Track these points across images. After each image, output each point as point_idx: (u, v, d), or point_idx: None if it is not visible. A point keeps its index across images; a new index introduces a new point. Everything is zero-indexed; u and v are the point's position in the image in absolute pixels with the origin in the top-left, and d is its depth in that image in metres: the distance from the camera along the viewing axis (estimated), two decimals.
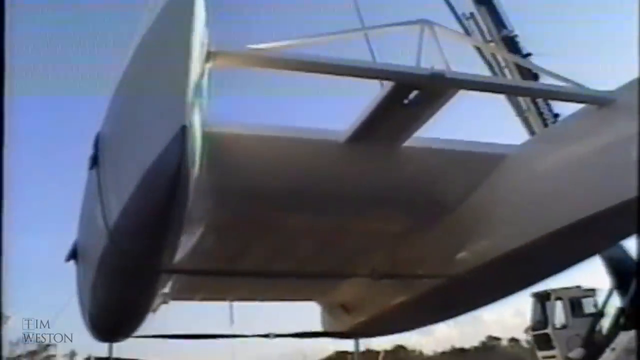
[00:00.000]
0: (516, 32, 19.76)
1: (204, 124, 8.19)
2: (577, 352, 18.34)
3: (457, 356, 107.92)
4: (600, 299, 19.63)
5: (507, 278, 12.46)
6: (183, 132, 5.98)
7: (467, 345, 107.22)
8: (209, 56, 7.32)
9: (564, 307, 20.43)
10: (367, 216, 13.16)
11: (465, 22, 19.54)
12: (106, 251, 9.29)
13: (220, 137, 9.84)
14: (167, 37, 6.68)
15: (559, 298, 20.53)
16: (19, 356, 24.48)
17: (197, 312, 25.33)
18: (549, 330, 20.14)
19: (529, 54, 19.69)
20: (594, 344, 17.99)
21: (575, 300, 20.53)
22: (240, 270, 15.31)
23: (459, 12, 19.69)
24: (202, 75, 6.95)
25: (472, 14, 19.57)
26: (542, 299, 20.68)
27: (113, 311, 13.50)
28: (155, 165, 6.46)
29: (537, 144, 11.07)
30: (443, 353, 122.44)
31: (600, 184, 9.42)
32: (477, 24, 19.45)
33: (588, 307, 20.33)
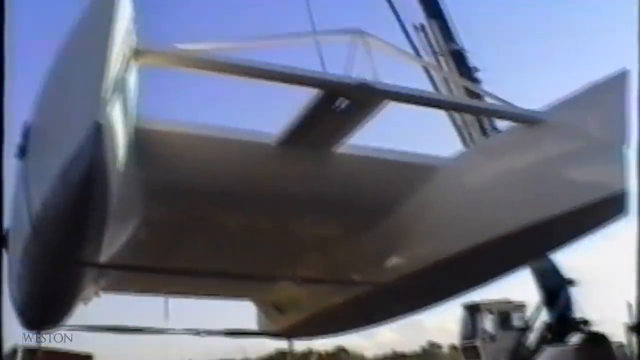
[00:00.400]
0: (465, 47, 20.15)
1: (131, 120, 8.16)
2: None
3: None
4: (529, 313, 20.03)
5: (435, 286, 12.67)
6: (97, 129, 5.97)
7: (408, 350, 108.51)
8: (135, 53, 7.29)
9: (493, 320, 20.83)
10: (297, 219, 13.22)
11: (416, 34, 19.83)
12: (29, 242, 9.16)
13: (153, 134, 9.78)
14: (89, 32, 6.63)
15: (488, 310, 20.95)
16: None
17: (134, 305, 25.06)
18: (477, 342, 20.53)
19: (475, 69, 20.08)
20: (520, 358, 18.42)
21: (504, 314, 20.90)
22: (170, 267, 15.18)
23: (411, 23, 19.99)
24: (124, 71, 6.91)
25: (422, 26, 19.84)
26: (472, 310, 21.02)
27: (38, 301, 13.29)
28: (71, 160, 6.42)
29: (469, 157, 11.28)
30: (385, 357, 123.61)
31: (527, 199, 9.74)
32: (426, 36, 19.72)
33: (517, 320, 20.73)
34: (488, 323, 20.88)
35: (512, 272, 11.84)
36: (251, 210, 12.65)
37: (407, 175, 11.55)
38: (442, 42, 19.47)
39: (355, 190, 11.63)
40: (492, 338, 20.44)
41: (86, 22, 6.77)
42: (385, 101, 9.07)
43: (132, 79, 7.58)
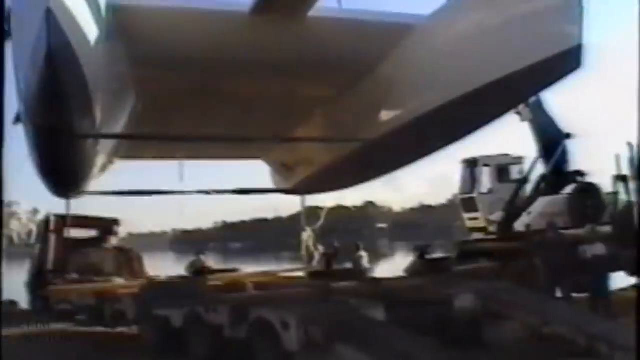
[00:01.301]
0: None
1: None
2: (497, 215, 19.64)
3: (424, 212, 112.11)
4: (527, 166, 20.62)
5: (426, 137, 13.32)
6: (48, 14, 6.54)
7: (434, 202, 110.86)
8: None
9: (491, 173, 21.53)
10: (281, 82, 13.83)
11: None
12: (27, 120, 9.95)
13: (134, 11, 10.29)
14: None
15: (486, 165, 21.58)
16: None
17: (151, 171, 26.14)
18: (474, 194, 21.36)
19: None
20: (515, 209, 19.21)
21: (502, 167, 21.53)
22: (172, 133, 16.07)
23: None
24: None
25: None
26: (471, 164, 21.72)
27: (52, 171, 14.29)
28: (36, 44, 7.04)
29: (445, 14, 11.54)
30: (412, 209, 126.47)
31: (497, 54, 10.18)
32: None
33: (515, 174, 21.40)
34: (486, 176, 21.60)
35: (488, 123, 12.38)
36: (239, 77, 13.24)
37: (386, 34, 11.98)
38: None
39: (334, 51, 12.09)
40: (489, 191, 21.25)
41: None
42: None
43: None
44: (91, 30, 8.31)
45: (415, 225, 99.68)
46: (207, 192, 20.49)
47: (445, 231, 54.03)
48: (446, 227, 57.74)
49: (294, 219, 28.01)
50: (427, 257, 19.23)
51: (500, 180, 21.30)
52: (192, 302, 12.46)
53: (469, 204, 21.54)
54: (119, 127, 14.41)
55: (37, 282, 19.37)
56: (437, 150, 14.24)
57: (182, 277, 17.44)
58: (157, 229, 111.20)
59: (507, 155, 21.98)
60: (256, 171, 26.43)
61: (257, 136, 15.18)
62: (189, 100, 13.84)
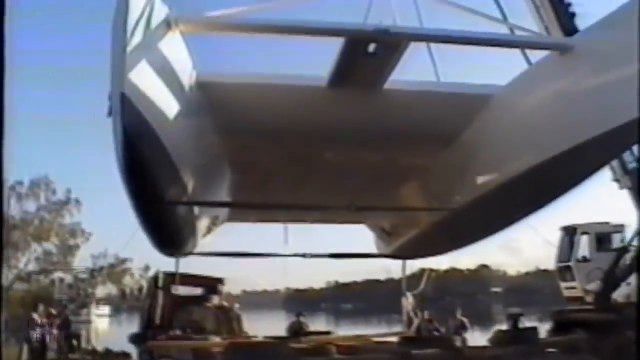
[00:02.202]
0: None
1: (184, 78, 9.63)
2: (595, 284, 19.09)
3: (540, 276, 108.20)
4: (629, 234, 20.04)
5: (511, 203, 13.42)
6: (123, 98, 7.50)
7: (551, 266, 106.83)
8: (170, 23, 8.65)
9: (589, 241, 21.03)
10: (366, 152, 14.38)
11: None
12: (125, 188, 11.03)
13: (224, 87, 11.29)
14: (116, 13, 7.90)
15: (585, 232, 21.13)
16: (101, 267, 27.28)
17: (261, 233, 27.15)
18: (571, 263, 20.90)
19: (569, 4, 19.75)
20: (614, 278, 18.63)
21: (601, 235, 20.99)
22: (262, 201, 17.01)
23: None
24: (156, 41, 8.27)
25: None
26: (569, 232, 21.33)
27: (155, 234, 15.49)
28: (116, 124, 8.03)
29: (522, 84, 11.78)
30: (527, 274, 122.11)
31: (575, 120, 10.30)
32: None
33: (615, 242, 20.80)
34: (584, 244, 21.13)
35: (566, 191, 12.24)
36: (324, 146, 13.96)
37: (465, 104, 12.33)
38: None
39: (414, 123, 12.54)
40: (586, 259, 20.74)
41: (117, 6, 7.98)
42: (406, 43, 9.93)
43: (176, 45, 8.96)
44: (170, 106, 9.25)
45: (530, 289, 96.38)
46: (304, 255, 21.16)
47: (558, 297, 51.97)
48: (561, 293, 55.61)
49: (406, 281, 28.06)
50: (520, 325, 18.89)
51: (599, 248, 20.75)
52: None
53: (566, 273, 21.09)
54: (219, 193, 15.46)
55: (144, 336, 20.59)
56: (524, 216, 14.21)
57: (274, 338, 18.07)
58: (270, 287, 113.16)
59: (606, 223, 21.44)
60: (364, 234, 27.05)
61: (335, 204, 15.78)
62: (278, 169, 14.67)
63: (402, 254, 24.53)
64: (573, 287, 20.65)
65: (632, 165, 19.56)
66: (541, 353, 13.00)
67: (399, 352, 13.47)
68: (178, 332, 19.76)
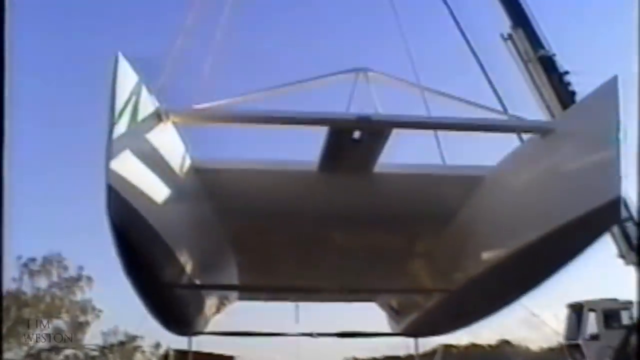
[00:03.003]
0: (554, 51, 20.45)
1: (175, 166, 10.03)
2: None
3: (561, 352, 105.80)
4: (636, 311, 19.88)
5: (507, 282, 13.46)
6: (110, 190, 7.79)
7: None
8: (160, 115, 9.06)
9: (597, 318, 20.86)
10: (361, 235, 14.60)
11: (504, 43, 20.45)
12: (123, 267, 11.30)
13: (219, 172, 11.66)
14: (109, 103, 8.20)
15: (592, 310, 20.98)
16: (112, 345, 27.39)
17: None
18: (579, 341, 20.69)
19: (566, 72, 20.36)
20: (625, 356, 18.43)
21: (609, 312, 20.83)
22: (263, 284, 17.22)
23: (499, 33, 20.63)
24: (144, 133, 8.65)
25: (510, 35, 20.40)
26: (576, 309, 21.19)
27: (158, 315, 15.66)
28: (107, 211, 8.25)
29: (508, 165, 11.97)
30: (550, 349, 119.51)
31: (559, 200, 10.46)
32: (514, 44, 20.27)
33: (623, 319, 20.63)
34: (592, 322, 20.96)
35: (553, 273, 12.27)
36: (320, 229, 14.21)
37: (458, 185, 12.53)
38: (529, 49, 19.96)
39: (406, 206, 12.76)
40: (594, 337, 20.53)
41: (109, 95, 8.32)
42: (389, 129, 10.28)
43: (168, 135, 9.36)
44: (163, 194, 9.53)
45: None
46: (311, 335, 21.07)
47: None
48: None
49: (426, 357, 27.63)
50: None
51: (607, 326, 20.57)
52: None
53: (575, 351, 20.85)
54: (221, 274, 15.66)
55: None
56: (520, 294, 14.09)
57: None
58: None
59: (614, 300, 21.30)
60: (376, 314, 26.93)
61: (328, 286, 15.91)
62: (275, 251, 14.89)
63: (411, 332, 24.36)
64: None
65: (637, 241, 19.62)
66: None
67: None
68: None
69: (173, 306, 14.45)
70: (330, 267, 16.42)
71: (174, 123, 9.45)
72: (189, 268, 12.07)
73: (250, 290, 17.83)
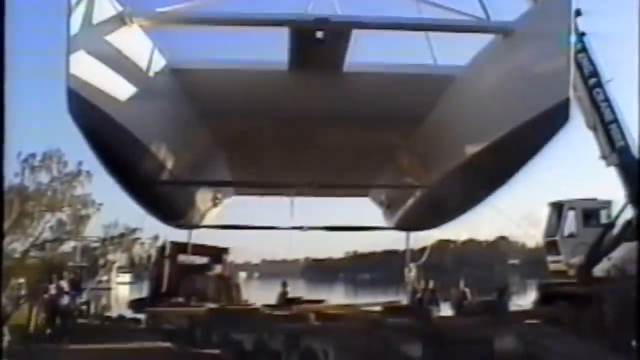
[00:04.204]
0: None
1: (150, 67, 10.38)
2: (578, 259, 19.69)
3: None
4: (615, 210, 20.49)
5: (480, 178, 13.95)
6: (69, 92, 8.19)
7: None
8: (124, 19, 9.33)
9: (576, 217, 21.52)
10: (339, 133, 15.06)
11: None
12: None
13: (196, 72, 12.05)
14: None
15: (572, 208, 21.64)
16: (112, 237, 28.33)
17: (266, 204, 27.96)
18: (557, 238, 21.46)
19: None
20: (597, 254, 19.16)
21: (588, 211, 21.50)
22: (247, 180, 17.91)
23: None
24: (98, 36, 8.94)
25: None
26: (556, 208, 21.87)
27: (149, 209, 16.42)
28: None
29: (477, 66, 12.24)
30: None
31: (517, 102, 10.83)
32: None
33: (603, 218, 21.27)
34: (571, 220, 21.63)
35: (515, 171, 12.62)
36: (294, 127, 14.64)
37: (429, 85, 12.85)
38: None
39: (383, 102, 13.11)
40: (572, 235, 21.27)
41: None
42: (349, 30, 10.54)
43: (136, 38, 9.63)
44: (129, 91, 9.94)
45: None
46: (301, 228, 21.95)
47: None
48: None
49: (424, 251, 28.58)
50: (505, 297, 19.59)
51: (586, 224, 21.26)
52: (258, 330, 14.05)
53: (552, 247, 21.68)
54: (209, 171, 16.31)
55: (142, 303, 21.79)
56: (495, 188, 14.45)
57: (270, 306, 19.03)
58: (290, 257, 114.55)
59: (594, 199, 21.93)
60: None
61: (297, 182, 16.55)
62: (256, 148, 15.44)
63: (402, 227, 25.25)
64: (558, 262, 21.27)
65: (620, 143, 19.96)
66: (504, 322, 13.72)
67: (373, 320, 14.31)
68: (180, 300, 20.86)
69: (161, 201, 15.19)
70: (310, 163, 17.03)
71: (142, 27, 9.77)
72: (170, 164, 12.69)
73: (229, 185, 18.50)
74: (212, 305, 19.15)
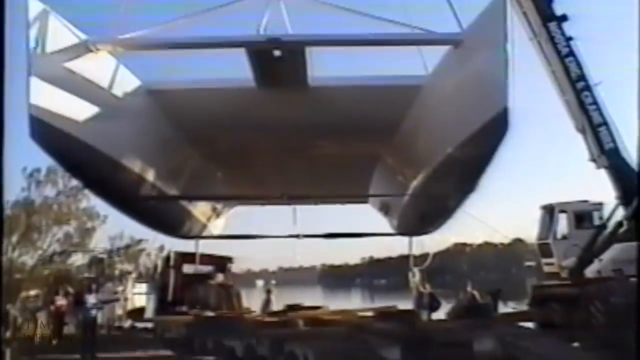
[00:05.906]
0: None
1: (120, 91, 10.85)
2: (570, 260, 19.91)
3: None
4: (607, 212, 20.68)
5: (453, 184, 14.15)
6: (32, 119, 8.65)
7: None
8: (88, 46, 9.82)
9: (568, 219, 21.75)
10: (314, 145, 15.44)
11: None
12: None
13: (168, 93, 12.55)
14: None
15: (563, 211, 21.88)
16: (118, 248, 29.01)
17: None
18: (549, 240, 21.70)
19: None
20: (589, 255, 19.37)
21: (579, 214, 21.72)
22: (231, 194, 18.36)
23: None
24: (59, 64, 9.41)
25: None
26: (548, 210, 22.11)
27: (155, 222, 16.91)
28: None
29: (438, 74, 12.51)
30: None
31: (465, 111, 11.09)
32: None
33: (594, 220, 21.45)
34: (562, 222, 21.85)
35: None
36: (260, 144, 15.08)
37: (397, 95, 13.09)
38: None
39: (353, 115, 13.45)
40: (564, 237, 21.49)
41: None
42: (303, 47, 10.91)
43: (103, 63, 10.14)
44: (100, 113, 10.42)
45: None
46: (297, 236, 22.28)
47: None
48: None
49: (438, 256, 28.60)
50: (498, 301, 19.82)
51: (577, 226, 21.48)
52: (245, 336, 14.52)
53: (544, 250, 21.93)
54: (189, 183, 16.74)
55: (141, 312, 22.36)
56: (466, 194, 14.56)
57: (272, 314, 19.43)
58: (306, 264, 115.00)
59: (585, 201, 22.13)
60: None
61: (268, 194, 16.98)
62: (231, 162, 15.87)
63: (403, 232, 25.49)
64: (551, 264, 21.50)
65: (609, 146, 20.21)
66: (489, 325, 13.98)
67: (361, 325, 14.64)
68: (183, 309, 21.35)
69: (151, 215, 15.64)
70: (287, 175, 17.44)
71: (111, 53, 10.30)
72: (150, 180, 13.19)
73: (209, 199, 18.93)
74: (210, 314, 19.62)
